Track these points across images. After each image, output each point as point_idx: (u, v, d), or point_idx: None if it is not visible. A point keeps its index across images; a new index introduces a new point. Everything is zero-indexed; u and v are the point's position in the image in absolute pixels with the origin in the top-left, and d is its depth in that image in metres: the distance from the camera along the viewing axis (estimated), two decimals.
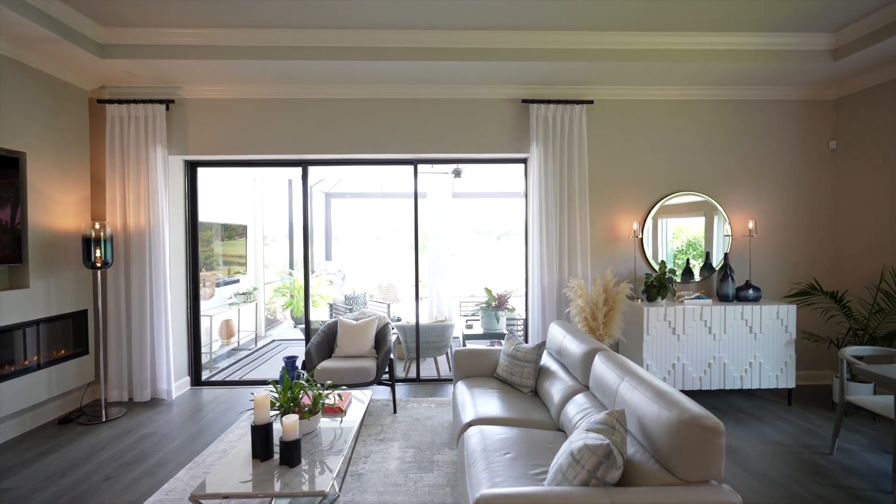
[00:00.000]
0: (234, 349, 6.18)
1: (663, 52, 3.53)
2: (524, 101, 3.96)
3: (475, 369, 3.34)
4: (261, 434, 2.05)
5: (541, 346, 3.06)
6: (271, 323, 8.02)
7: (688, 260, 4.25)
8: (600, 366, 2.32)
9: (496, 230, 11.80)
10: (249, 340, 6.58)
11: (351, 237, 11.52)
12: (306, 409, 2.31)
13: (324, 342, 3.89)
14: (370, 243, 11.37)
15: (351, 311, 6.37)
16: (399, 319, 6.08)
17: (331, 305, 6.75)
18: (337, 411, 2.52)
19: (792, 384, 3.67)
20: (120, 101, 3.81)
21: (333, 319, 4.08)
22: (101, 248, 3.49)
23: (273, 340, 6.92)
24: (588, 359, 2.51)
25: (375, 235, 11.78)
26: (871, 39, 3.23)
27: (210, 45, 3.40)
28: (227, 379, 4.74)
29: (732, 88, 4.08)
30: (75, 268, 3.64)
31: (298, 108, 4.07)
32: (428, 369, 4.80)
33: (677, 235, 4.26)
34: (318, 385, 2.49)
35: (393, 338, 4.74)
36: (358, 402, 2.78)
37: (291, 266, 8.72)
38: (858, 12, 3.16)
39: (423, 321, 4.57)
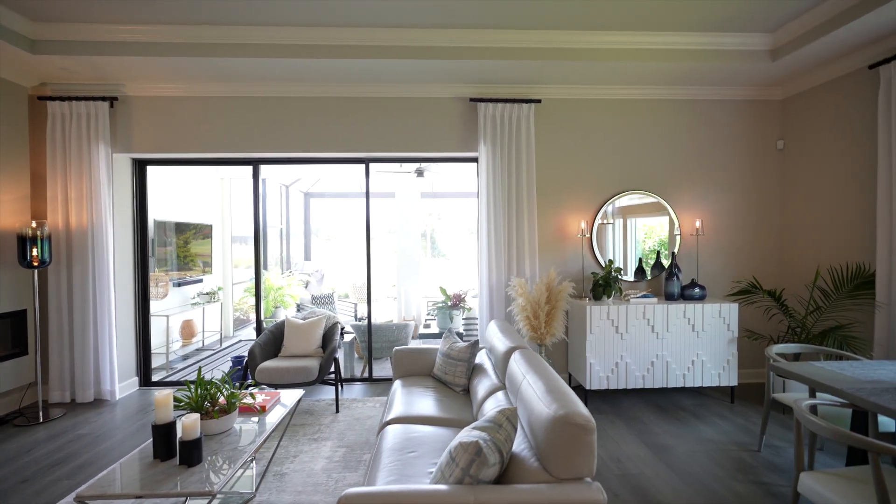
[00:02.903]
0: (198, 349, 6.13)
1: (607, 51, 3.54)
2: (472, 99, 3.95)
3: (415, 368, 3.33)
4: (161, 434, 2.02)
5: (474, 345, 3.05)
6: (243, 323, 7.97)
7: (640, 259, 4.28)
8: (513, 364, 2.32)
9: (474, 229, 11.77)
10: (215, 341, 6.53)
11: (329, 237, 11.50)
12: (215, 409, 2.29)
13: (270, 342, 3.87)
14: (348, 243, 11.35)
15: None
16: (362, 319, 6.07)
17: (298, 305, 6.72)
18: (255, 411, 2.49)
19: (734, 382, 3.69)
20: (62, 99, 3.76)
21: (282, 319, 4.06)
22: (38, 247, 3.45)
23: (240, 340, 6.88)
24: (507, 357, 2.51)
25: (352, 235, 11.76)
26: (805, 39, 3.26)
27: (148, 42, 3.37)
28: (184, 380, 4.68)
29: (681, 88, 4.10)
30: (13, 267, 3.59)
31: (248, 107, 4.04)
32: (387, 369, 4.78)
33: (649, 235, 4.27)
34: (238, 385, 2.46)
35: (348, 337, 4.72)
36: (286, 402, 2.76)
37: (265, 266, 8.68)
38: (792, 12, 3.19)
39: (394, 321, 4.56)
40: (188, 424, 1.98)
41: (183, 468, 1.95)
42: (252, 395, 2.50)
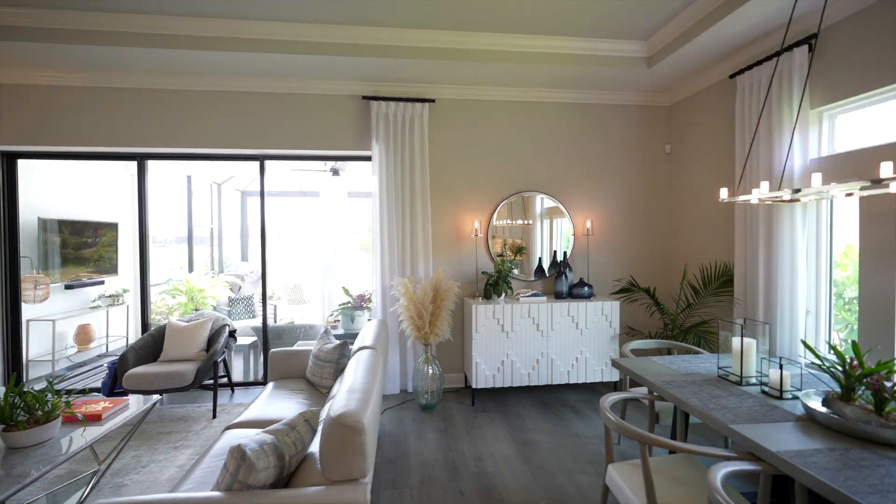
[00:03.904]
0: (100, 355, 5.78)
1: (499, 52, 3.58)
2: (364, 97, 3.91)
3: (290, 370, 3.25)
4: None
5: (343, 346, 3.01)
6: None
7: (540, 259, 4.35)
8: (350, 364, 2.29)
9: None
10: (121, 347, 6.18)
11: (268, 236, 11.21)
12: (30, 419, 2.14)
13: (148, 346, 3.69)
14: (288, 243, 11.07)
15: (230, 313, 6.12)
16: (286, 321, 5.90)
17: (214, 308, 6.47)
18: (78, 421, 2.34)
19: (616, 377, 3.81)
20: None
21: (164, 323, 3.87)
22: None
23: None
24: (355, 357, 2.48)
25: (292, 235, 11.48)
26: (672, 47, 3.40)
27: (25, 26, 3.13)
28: (64, 388, 4.39)
29: (576, 92, 4.20)
30: None
31: (133, 99, 3.83)
32: None
33: (553, 236, 4.34)
34: (61, 392, 2.31)
35: (249, 340, 4.56)
36: (134, 409, 2.62)
37: (191, 268, 8.32)
38: (661, 20, 3.32)
39: (295, 322, 4.44)
40: None
41: None
42: (67, 404, 2.34)
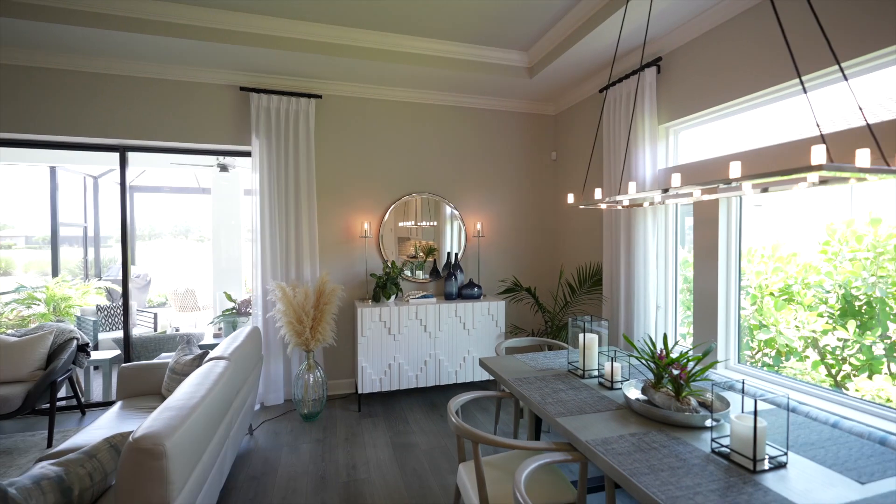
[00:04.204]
0: None
1: (385, 52, 3.51)
2: (242, 88, 3.65)
3: (145, 387, 2.92)
4: None
5: (203, 357, 2.76)
6: None
7: (434, 261, 4.37)
8: (194, 375, 2.09)
9: None
10: None
11: (157, 236, 10.10)
12: None
13: None
14: (181, 244, 10.10)
15: (96, 324, 5.41)
16: (178, 330, 5.34)
17: (78, 318, 5.67)
18: None
19: None
20: None
21: None
22: None
23: None
24: None
25: (187, 235, 10.52)
26: (548, 60, 3.59)
27: None
28: None
29: (468, 96, 4.28)
30: None
31: None
32: None
33: (449, 237, 4.34)
34: None
35: (110, 354, 4.06)
36: None
37: (55, 273, 7.25)
38: (538, 32, 3.48)
39: (167, 331, 3.99)
40: None
41: None
42: None
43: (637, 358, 1.89)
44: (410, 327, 3.69)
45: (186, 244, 10.41)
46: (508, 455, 2.02)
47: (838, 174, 1.06)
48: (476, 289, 4.02)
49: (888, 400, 2.75)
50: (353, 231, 4.04)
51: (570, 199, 2.32)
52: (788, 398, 1.50)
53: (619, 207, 2.85)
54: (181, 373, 2.70)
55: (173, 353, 3.07)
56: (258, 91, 3.66)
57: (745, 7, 2.52)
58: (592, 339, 2.24)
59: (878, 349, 2.98)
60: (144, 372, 2.92)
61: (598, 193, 2.12)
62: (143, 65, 3.50)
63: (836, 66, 2.09)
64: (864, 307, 3.06)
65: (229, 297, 4.28)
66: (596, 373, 2.23)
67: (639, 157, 3.20)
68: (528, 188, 4.57)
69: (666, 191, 1.64)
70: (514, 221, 4.52)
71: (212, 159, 5.60)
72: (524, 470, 1.38)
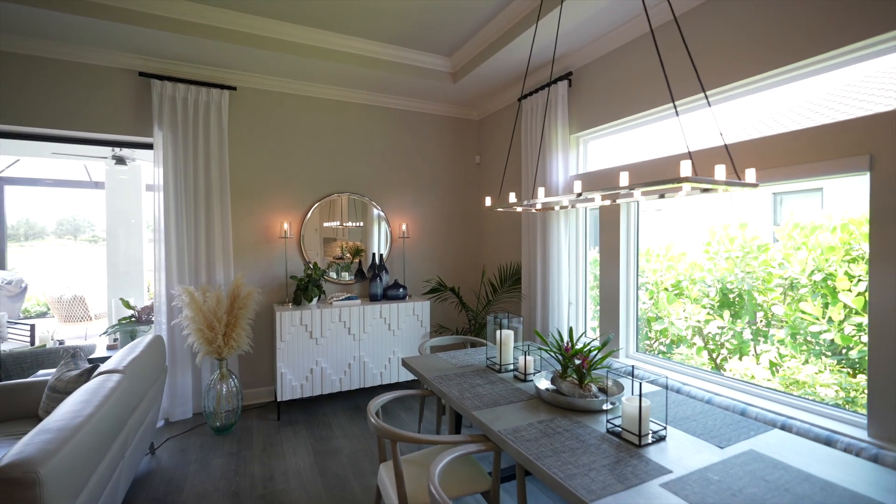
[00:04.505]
0: None
1: (305, 46, 3.39)
2: (142, 74, 3.32)
3: (18, 409, 2.54)
4: None
5: (91, 371, 2.47)
6: None
7: (360, 262, 4.30)
8: (79, 392, 1.87)
9: None
10: None
11: (35, 236, 8.80)
12: None
13: None
14: (68, 244, 8.89)
15: None
16: (62, 343, 4.66)
17: None
18: None
19: None
20: None
21: None
22: None
23: None
24: None
25: (72, 234, 9.32)
26: (469, 67, 3.71)
27: None
28: None
29: (394, 98, 4.28)
30: None
31: None
32: None
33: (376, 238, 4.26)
34: None
35: None
36: None
37: None
38: (458, 40, 3.58)
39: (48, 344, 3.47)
40: None
41: None
42: None
43: (547, 351, 2.03)
44: (334, 330, 3.60)
45: (75, 245, 9.19)
46: (429, 451, 2.06)
47: (699, 185, 1.23)
48: (401, 289, 4.03)
49: (752, 377, 3.22)
50: (271, 231, 3.86)
51: (488, 202, 2.42)
52: (668, 380, 1.71)
53: (534, 210, 3.03)
54: (63, 391, 2.39)
55: (54, 370, 2.71)
56: (161, 78, 3.36)
57: (646, 30, 2.81)
58: (508, 335, 2.36)
59: (747, 334, 3.48)
60: (16, 392, 2.54)
61: (512, 197, 2.24)
62: (19, 39, 3.05)
63: (712, 91, 2.42)
64: (737, 299, 3.55)
65: (127, 304, 3.86)
66: (512, 367, 2.36)
67: (552, 163, 3.43)
68: (453, 190, 4.68)
69: (579, 195, 1.78)
70: (440, 223, 4.60)
71: (106, 150, 5.01)
72: (439, 463, 1.43)
